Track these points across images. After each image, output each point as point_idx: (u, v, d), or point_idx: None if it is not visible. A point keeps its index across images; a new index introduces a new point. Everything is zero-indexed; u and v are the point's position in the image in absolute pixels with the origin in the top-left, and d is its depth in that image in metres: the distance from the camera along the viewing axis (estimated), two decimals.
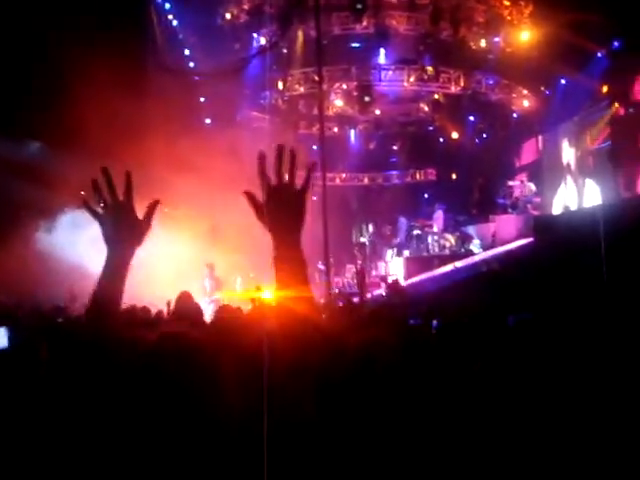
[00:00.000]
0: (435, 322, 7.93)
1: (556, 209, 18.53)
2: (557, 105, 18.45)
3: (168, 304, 7.56)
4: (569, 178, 18.47)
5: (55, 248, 16.24)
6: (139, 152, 16.38)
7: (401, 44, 20.26)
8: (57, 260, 15.84)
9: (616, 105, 16.42)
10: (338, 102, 21.77)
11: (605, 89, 16.65)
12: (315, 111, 19.40)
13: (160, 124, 16.63)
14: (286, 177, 2.21)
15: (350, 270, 22.10)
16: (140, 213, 2.31)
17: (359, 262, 21.57)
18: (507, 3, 18.14)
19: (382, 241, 22.09)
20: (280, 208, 2.21)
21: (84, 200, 2.27)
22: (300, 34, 19.34)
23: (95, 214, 2.25)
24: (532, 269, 11.74)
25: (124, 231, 2.21)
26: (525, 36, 17.67)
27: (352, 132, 24.31)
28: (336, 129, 23.09)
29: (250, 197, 2.22)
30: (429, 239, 20.39)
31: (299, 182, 2.14)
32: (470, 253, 17.91)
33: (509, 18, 18.08)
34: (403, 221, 22.00)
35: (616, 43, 15.86)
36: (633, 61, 15.05)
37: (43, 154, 17.31)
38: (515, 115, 20.80)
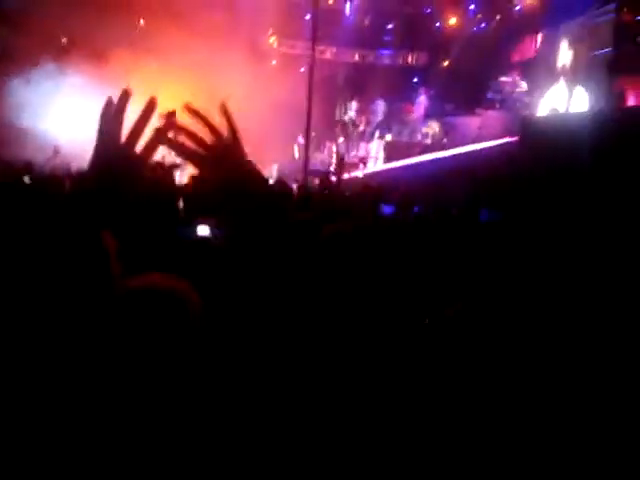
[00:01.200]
0: (415, 209, 7.93)
1: (542, 110, 18.27)
2: (562, 3, 17.79)
3: None
4: (562, 81, 18.10)
5: (32, 102, 15.71)
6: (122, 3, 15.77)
7: None
8: (33, 116, 15.40)
9: (624, 10, 15.88)
10: None
11: None
12: None
13: None
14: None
15: (329, 148, 21.94)
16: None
17: (339, 141, 21.40)
18: None
19: (364, 121, 21.81)
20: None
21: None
22: None
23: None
24: (514, 168, 11.70)
25: None
26: None
27: (347, 5, 23.49)
28: (331, 0, 22.28)
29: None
30: (413, 125, 20.22)
31: None
32: (454, 144, 17.74)
33: None
34: (380, 103, 21.70)
35: None
36: None
37: None
38: (517, 8, 20.13)
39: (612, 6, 16.20)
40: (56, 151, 13.76)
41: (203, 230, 3.89)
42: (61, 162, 12.26)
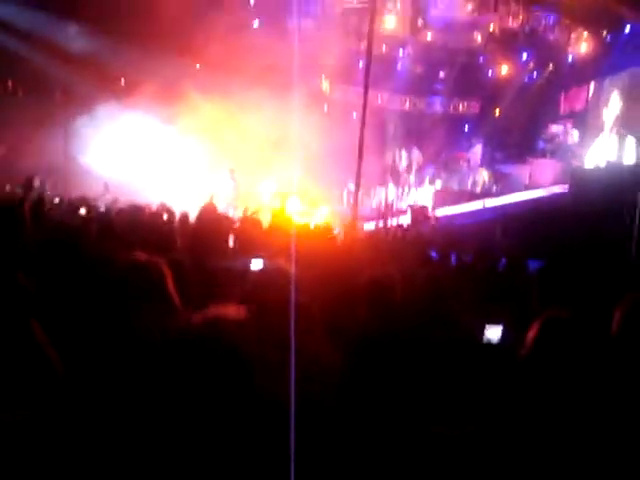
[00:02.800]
0: (453, 257, 7.94)
1: (589, 160, 18.14)
2: (617, 53, 17.75)
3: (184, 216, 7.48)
4: (612, 131, 18.00)
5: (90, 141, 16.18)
6: (182, 46, 16.23)
7: None
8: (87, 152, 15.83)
9: None
10: (390, 21, 21.20)
11: None
12: (366, 27, 18.95)
13: (206, 20, 16.37)
14: None
15: (379, 194, 22.07)
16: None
17: (389, 187, 21.52)
18: None
19: (415, 168, 21.86)
20: None
21: None
22: None
23: None
24: (563, 218, 11.62)
25: None
26: None
27: (400, 53, 23.77)
28: (384, 48, 22.56)
29: None
30: (463, 173, 20.23)
31: None
32: (503, 192, 17.67)
33: None
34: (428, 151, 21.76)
35: None
36: None
37: (82, 38, 16.98)
38: (570, 58, 20.15)
39: None
40: (106, 188, 14.20)
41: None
42: (111, 198, 12.60)
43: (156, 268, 1.68)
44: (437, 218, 16.19)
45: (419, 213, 16.52)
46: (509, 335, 3.52)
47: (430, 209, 18.10)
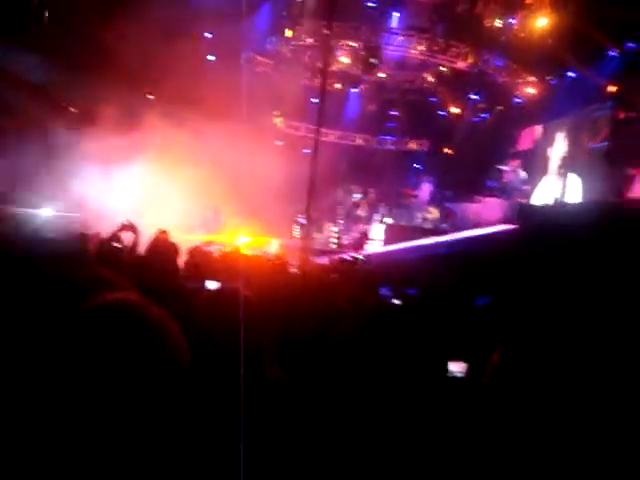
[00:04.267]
0: (413, 291, 7.99)
1: (535, 199, 18.56)
2: (561, 97, 18.32)
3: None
4: (556, 171, 18.50)
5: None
6: (138, 78, 16.20)
7: (415, 11, 20.05)
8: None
9: (621, 108, 16.35)
10: (344, 59, 21.51)
11: (613, 89, 16.52)
12: (320, 64, 19.21)
13: (162, 53, 16.39)
14: None
15: (329, 229, 22.18)
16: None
17: (339, 222, 21.67)
18: None
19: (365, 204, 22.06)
20: None
21: None
22: None
23: None
24: (510, 255, 11.79)
25: None
26: (541, 22, 17.40)
27: (353, 91, 24.12)
28: (337, 86, 22.87)
29: None
30: (413, 209, 20.50)
31: None
32: (452, 229, 17.91)
33: (529, 1, 17.82)
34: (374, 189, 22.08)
35: (631, 44, 15.71)
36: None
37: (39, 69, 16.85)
38: (518, 100, 20.68)
39: (609, 103, 16.71)
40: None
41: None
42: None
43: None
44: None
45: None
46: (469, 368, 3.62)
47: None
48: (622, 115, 16.27)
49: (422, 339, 3.94)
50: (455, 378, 3.60)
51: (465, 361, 3.67)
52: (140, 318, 1.51)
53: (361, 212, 21.85)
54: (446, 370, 3.67)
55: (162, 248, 4.30)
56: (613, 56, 16.37)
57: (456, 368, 3.64)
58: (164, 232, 5.85)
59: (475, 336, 4.35)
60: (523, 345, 2.35)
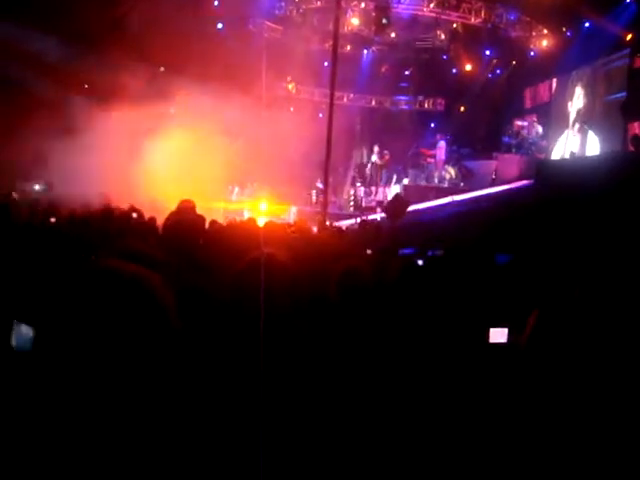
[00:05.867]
0: (430, 253, 8.03)
1: (556, 154, 18.42)
2: (577, 49, 18.05)
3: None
4: (576, 125, 18.31)
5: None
6: (149, 49, 16.17)
7: None
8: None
9: (638, 55, 16.09)
10: (354, 21, 21.31)
11: (629, 37, 16.25)
12: (330, 27, 19.02)
13: (171, 23, 16.32)
14: None
15: (347, 192, 22.18)
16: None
17: (357, 185, 21.66)
18: None
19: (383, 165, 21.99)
20: None
21: None
22: None
23: None
24: (529, 211, 11.77)
25: None
26: None
27: (365, 53, 23.92)
28: (349, 48, 22.67)
29: None
30: (430, 169, 20.43)
31: None
32: (470, 188, 17.84)
33: None
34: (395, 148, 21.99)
35: None
36: None
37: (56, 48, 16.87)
38: (532, 54, 20.43)
39: (626, 51, 16.46)
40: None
41: None
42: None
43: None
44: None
45: (395, 206, 16.58)
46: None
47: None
48: (639, 63, 16.05)
49: (450, 303, 3.98)
50: (497, 345, 3.60)
51: (505, 326, 3.67)
52: (130, 281, 1.55)
53: (378, 174, 21.79)
54: (485, 337, 3.68)
55: (186, 219, 4.35)
56: (628, 3, 16.08)
57: (498, 336, 3.65)
58: (188, 201, 5.81)
59: (503, 299, 4.38)
60: (556, 306, 2.37)
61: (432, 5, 19.66)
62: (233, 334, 2.41)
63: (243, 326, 2.40)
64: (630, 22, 16.11)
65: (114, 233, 5.52)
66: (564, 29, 18.92)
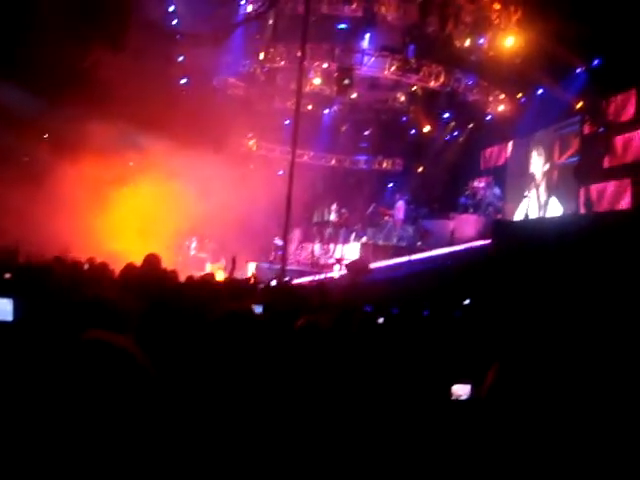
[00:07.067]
0: (389, 310, 8.06)
1: (516, 216, 18.79)
2: (531, 114, 18.64)
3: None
4: (533, 189, 18.79)
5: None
6: (111, 103, 16.23)
7: (387, 32, 20.25)
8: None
9: (587, 123, 16.69)
10: (316, 80, 21.65)
11: (579, 105, 16.86)
12: (292, 86, 19.35)
13: (135, 77, 16.42)
14: None
15: (306, 249, 22.22)
16: None
17: (316, 243, 21.76)
18: (497, 7, 18.16)
19: (342, 224, 22.13)
20: None
21: None
22: (288, 7, 19.22)
23: None
24: (486, 270, 11.94)
25: None
26: (509, 41, 17.70)
27: (326, 112, 24.31)
28: (310, 107, 23.01)
29: None
30: (389, 228, 20.63)
31: None
32: (428, 247, 18.02)
33: (497, 21, 18.12)
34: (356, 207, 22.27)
35: (596, 61, 16.06)
36: (609, 81, 15.28)
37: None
38: (489, 117, 20.97)
39: (577, 118, 17.06)
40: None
41: None
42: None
43: None
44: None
45: (358, 265, 16.65)
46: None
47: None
48: (589, 130, 16.62)
49: (411, 359, 3.99)
50: (458, 401, 3.61)
51: (467, 382, 3.68)
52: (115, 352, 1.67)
53: (337, 232, 21.92)
54: (448, 394, 3.69)
55: (155, 272, 4.33)
56: (579, 73, 16.71)
57: (461, 391, 3.65)
58: (153, 255, 5.68)
59: (464, 354, 4.42)
60: (516, 359, 2.40)
61: (393, 68, 20.08)
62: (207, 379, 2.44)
63: (216, 373, 2.42)
64: (580, 90, 16.73)
65: (67, 281, 5.46)
66: (519, 95, 19.53)
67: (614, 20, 13.53)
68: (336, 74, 20.37)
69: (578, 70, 16.69)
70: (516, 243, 12.24)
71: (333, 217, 22.16)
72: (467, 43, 18.84)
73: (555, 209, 17.37)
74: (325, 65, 20.80)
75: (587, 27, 13.71)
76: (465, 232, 17.63)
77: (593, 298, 6.93)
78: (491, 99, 20.54)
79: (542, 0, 16.16)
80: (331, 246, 21.24)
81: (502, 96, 20.24)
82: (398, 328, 6.00)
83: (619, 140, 15.51)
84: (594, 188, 15.91)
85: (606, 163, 15.79)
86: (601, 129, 16.08)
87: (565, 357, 2.38)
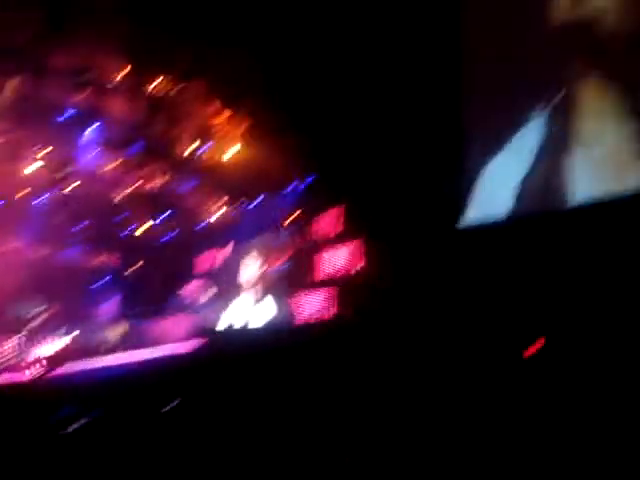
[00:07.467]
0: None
1: (225, 321, 18.94)
2: (250, 220, 19.26)
3: None
4: (246, 293, 19.14)
5: None
6: None
7: (111, 127, 20.03)
8: None
9: (298, 235, 17.62)
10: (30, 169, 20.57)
11: (289, 220, 17.79)
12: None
13: None
14: None
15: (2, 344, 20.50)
16: None
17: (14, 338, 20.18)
18: (225, 115, 18.80)
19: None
20: None
21: None
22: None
23: None
24: (198, 372, 11.78)
25: None
26: (233, 150, 18.35)
27: (39, 202, 23.12)
28: (21, 194, 21.69)
29: None
30: (97, 326, 19.80)
31: None
32: (136, 346, 17.54)
33: (223, 130, 18.74)
34: None
35: (310, 177, 17.13)
36: (317, 201, 16.37)
37: None
38: (208, 221, 21.26)
39: (289, 231, 17.93)
40: None
41: None
42: None
43: None
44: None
45: None
46: None
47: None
48: (299, 241, 17.51)
49: None
50: None
51: None
52: None
53: (38, 328, 20.50)
54: None
55: None
56: (296, 186, 17.67)
57: None
58: None
59: None
60: None
61: (113, 163, 19.81)
62: None
63: None
64: (295, 203, 17.70)
65: None
66: (238, 201, 20.09)
67: (329, 136, 14.60)
68: (54, 163, 19.63)
69: (295, 184, 17.65)
70: (231, 346, 12.31)
71: (36, 312, 20.76)
72: (192, 147, 19.23)
73: (266, 314, 17.77)
74: (41, 154, 19.95)
75: (307, 142, 14.63)
76: (177, 331, 17.45)
77: None
78: (211, 204, 20.90)
79: (269, 114, 17.06)
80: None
81: (222, 201, 20.69)
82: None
83: (327, 253, 16.47)
84: (303, 297, 16.60)
85: (316, 274, 16.64)
86: (307, 245, 17.04)
87: None
